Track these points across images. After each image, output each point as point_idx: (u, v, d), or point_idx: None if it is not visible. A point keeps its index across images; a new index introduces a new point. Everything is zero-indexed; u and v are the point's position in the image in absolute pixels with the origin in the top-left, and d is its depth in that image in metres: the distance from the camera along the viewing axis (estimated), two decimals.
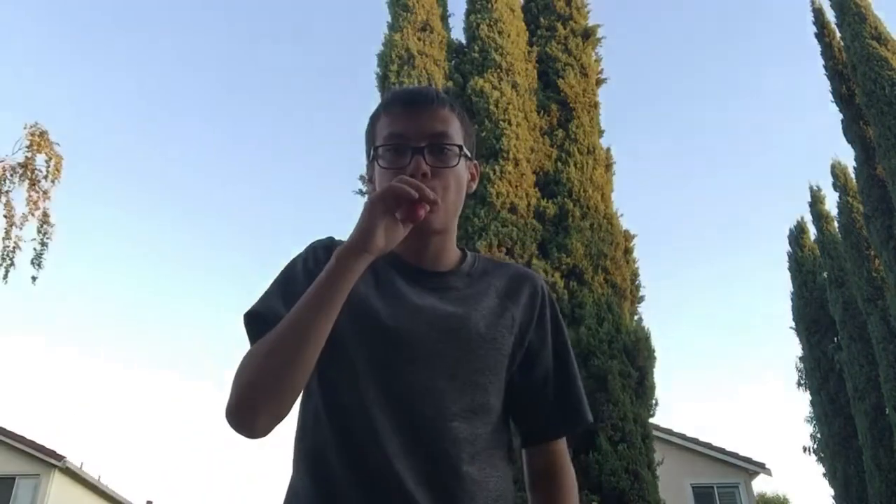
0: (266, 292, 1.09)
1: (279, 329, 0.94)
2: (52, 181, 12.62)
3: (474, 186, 1.21)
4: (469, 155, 1.16)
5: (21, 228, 12.42)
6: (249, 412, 0.94)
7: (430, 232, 1.09)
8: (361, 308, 1.04)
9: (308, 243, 1.19)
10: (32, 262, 12.37)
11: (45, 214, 12.59)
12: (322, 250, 1.13)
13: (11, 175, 12.36)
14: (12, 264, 12.26)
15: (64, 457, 15.77)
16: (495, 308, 1.11)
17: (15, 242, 12.34)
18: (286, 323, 0.94)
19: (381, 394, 0.99)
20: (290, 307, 0.97)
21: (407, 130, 1.09)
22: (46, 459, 15.57)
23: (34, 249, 12.43)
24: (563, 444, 1.18)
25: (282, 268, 1.14)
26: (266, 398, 0.93)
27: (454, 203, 1.11)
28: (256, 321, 1.03)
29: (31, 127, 12.57)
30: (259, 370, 0.94)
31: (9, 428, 15.62)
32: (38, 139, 12.43)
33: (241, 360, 0.98)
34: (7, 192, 12.36)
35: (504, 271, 1.18)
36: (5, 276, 12.13)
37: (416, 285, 1.10)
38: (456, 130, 1.13)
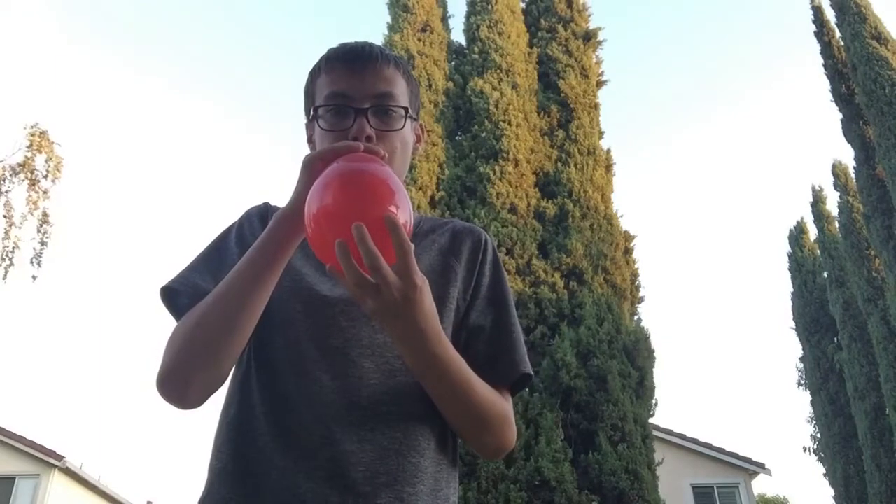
0: (188, 265, 1.02)
1: (210, 300, 0.90)
2: (53, 181, 12.64)
3: (420, 148, 1.14)
4: (415, 116, 1.10)
5: (21, 228, 12.43)
6: (179, 383, 0.91)
7: None
8: (298, 275, 1.00)
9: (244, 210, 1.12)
10: (32, 262, 12.39)
11: (45, 214, 12.60)
12: (257, 217, 1.09)
13: (11, 175, 12.37)
14: (12, 264, 12.27)
15: (64, 457, 15.77)
16: (437, 265, 1.06)
17: (14, 242, 12.35)
18: (218, 294, 0.89)
19: (319, 352, 0.95)
20: (218, 280, 0.92)
21: (349, 90, 1.01)
22: (46, 459, 15.57)
23: (33, 249, 12.45)
24: (507, 396, 1.09)
25: (214, 236, 1.08)
26: (196, 370, 0.90)
27: (400, 166, 1.04)
28: (172, 298, 0.97)
29: (32, 127, 12.58)
30: (188, 342, 0.89)
31: (9, 428, 15.62)
32: (39, 139, 12.45)
33: (172, 331, 0.94)
34: (7, 192, 12.38)
35: (447, 227, 1.13)
36: (5, 276, 12.15)
37: None
38: (401, 90, 1.05)
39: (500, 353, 1.05)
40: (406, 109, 1.04)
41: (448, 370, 0.88)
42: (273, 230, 0.89)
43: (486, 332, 1.05)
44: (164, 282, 0.99)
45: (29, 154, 12.50)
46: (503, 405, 1.01)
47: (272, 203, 1.13)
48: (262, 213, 1.09)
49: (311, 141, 1.10)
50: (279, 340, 0.97)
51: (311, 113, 1.06)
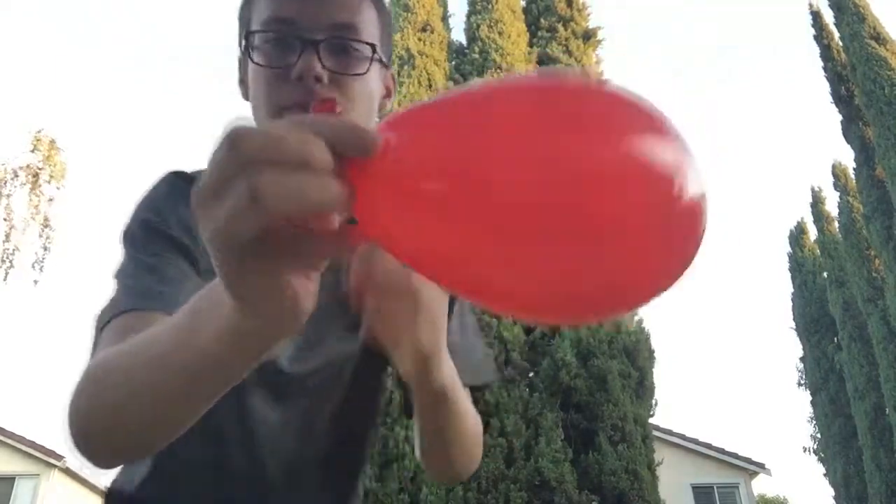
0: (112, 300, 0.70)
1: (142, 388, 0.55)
2: (58, 187, 12.69)
3: (389, 105, 0.86)
4: (385, 61, 0.82)
5: (23, 233, 12.45)
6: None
7: None
8: None
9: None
10: (34, 266, 12.42)
11: (46, 219, 12.62)
12: (169, 208, 0.75)
13: (13, 178, 12.41)
14: (12, 266, 12.31)
15: (64, 457, 15.77)
16: None
17: (15, 245, 12.38)
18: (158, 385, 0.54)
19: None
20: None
21: (298, 15, 0.74)
22: (46, 459, 15.56)
23: (35, 254, 12.48)
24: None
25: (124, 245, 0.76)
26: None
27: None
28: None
29: (37, 132, 12.62)
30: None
31: (9, 428, 15.63)
32: (49, 148, 12.50)
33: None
34: (8, 195, 12.41)
35: None
36: (5, 278, 12.19)
37: None
38: (369, 23, 0.78)
39: (473, 355, 0.90)
40: (373, 48, 0.77)
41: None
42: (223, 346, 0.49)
43: (459, 330, 0.89)
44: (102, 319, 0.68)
45: (33, 159, 12.54)
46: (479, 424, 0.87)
47: (188, 171, 0.80)
48: (176, 196, 0.75)
49: (242, 83, 0.82)
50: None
51: (244, 42, 0.78)
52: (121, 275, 0.72)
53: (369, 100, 0.77)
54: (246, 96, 0.81)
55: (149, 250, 0.72)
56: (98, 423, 0.58)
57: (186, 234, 0.72)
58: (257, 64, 0.75)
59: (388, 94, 0.85)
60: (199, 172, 0.78)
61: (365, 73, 0.76)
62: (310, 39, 0.73)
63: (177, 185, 0.78)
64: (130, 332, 0.58)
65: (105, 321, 0.66)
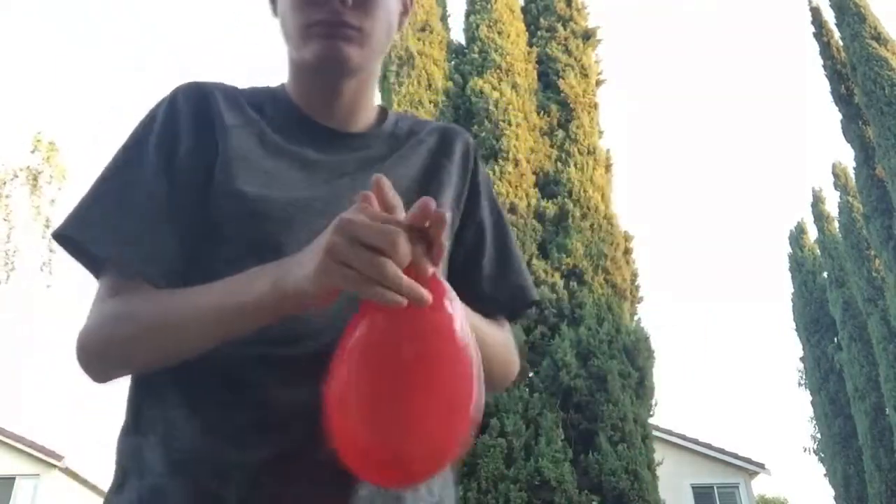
0: (101, 210, 0.78)
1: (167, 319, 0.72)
2: (59, 188, 12.69)
3: (406, 22, 0.94)
4: None
5: (34, 235, 12.46)
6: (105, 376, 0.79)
7: (345, 70, 0.83)
8: (248, 173, 0.79)
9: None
10: (42, 269, 12.44)
11: (48, 220, 12.62)
12: (188, 107, 0.83)
13: (13, 179, 12.42)
14: (13, 268, 12.33)
15: (64, 457, 15.77)
16: (429, 165, 0.89)
17: (15, 247, 12.39)
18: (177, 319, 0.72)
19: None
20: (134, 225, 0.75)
21: None
22: (46, 459, 15.57)
23: (43, 261, 12.48)
24: (505, 324, 0.92)
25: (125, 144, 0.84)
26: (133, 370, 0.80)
27: (380, 40, 0.85)
28: (109, 269, 0.78)
29: (37, 134, 12.64)
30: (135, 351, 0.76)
31: (9, 428, 15.63)
32: (49, 148, 12.52)
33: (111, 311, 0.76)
34: (8, 196, 12.41)
35: (433, 127, 0.95)
36: (7, 279, 12.21)
37: (323, 149, 0.84)
38: None
39: (513, 279, 0.93)
40: None
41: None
42: (271, 302, 0.65)
43: (493, 255, 0.92)
44: (85, 238, 0.78)
45: (33, 160, 12.56)
46: (509, 340, 0.89)
47: (209, 81, 0.88)
48: (199, 99, 0.84)
49: (273, 1, 0.89)
50: (222, 262, 0.77)
51: None
52: (125, 185, 0.80)
53: (388, 15, 0.85)
54: (274, 12, 0.89)
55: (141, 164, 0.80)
56: (121, 355, 0.78)
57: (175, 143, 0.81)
58: None
59: (404, 11, 0.93)
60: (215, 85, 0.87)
61: None
62: None
63: (201, 93, 0.85)
64: (135, 296, 0.76)
65: (117, 266, 0.78)
